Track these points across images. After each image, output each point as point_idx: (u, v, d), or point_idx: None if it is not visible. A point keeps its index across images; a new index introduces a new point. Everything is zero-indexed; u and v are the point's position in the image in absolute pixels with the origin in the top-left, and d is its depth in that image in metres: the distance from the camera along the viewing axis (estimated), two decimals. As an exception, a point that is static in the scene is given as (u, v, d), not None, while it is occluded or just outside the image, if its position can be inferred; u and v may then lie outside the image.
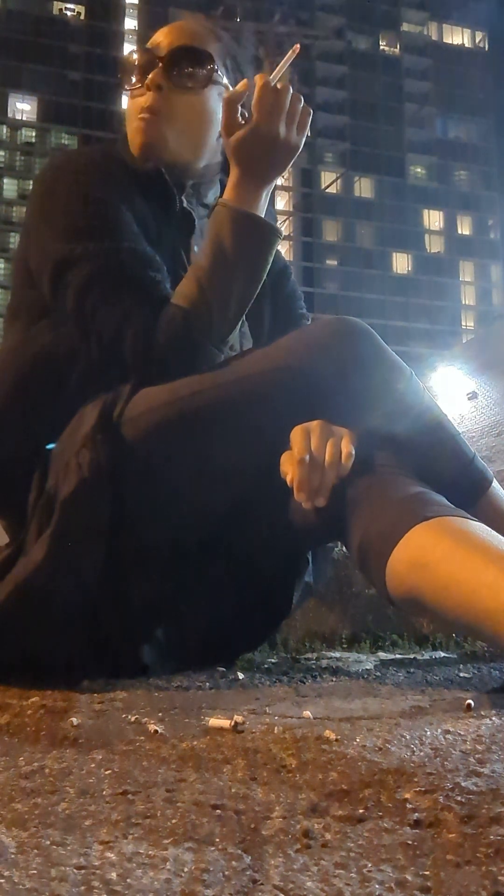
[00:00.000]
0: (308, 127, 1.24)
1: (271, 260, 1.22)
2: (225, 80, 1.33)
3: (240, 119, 1.20)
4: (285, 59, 1.23)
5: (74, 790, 0.60)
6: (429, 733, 0.71)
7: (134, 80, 1.31)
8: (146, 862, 0.46)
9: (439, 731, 0.72)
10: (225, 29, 1.40)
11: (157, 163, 1.29)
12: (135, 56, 1.32)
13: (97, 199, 1.23)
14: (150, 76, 1.28)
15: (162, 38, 1.32)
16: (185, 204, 1.33)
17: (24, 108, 47.96)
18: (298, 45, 1.27)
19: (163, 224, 1.29)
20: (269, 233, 1.21)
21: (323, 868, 0.45)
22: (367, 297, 47.86)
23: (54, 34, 47.99)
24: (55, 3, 49.81)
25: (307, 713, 0.87)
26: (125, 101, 1.34)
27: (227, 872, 0.45)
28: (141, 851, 0.48)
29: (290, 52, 1.25)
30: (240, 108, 1.20)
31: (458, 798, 0.54)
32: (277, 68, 1.22)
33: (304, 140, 1.23)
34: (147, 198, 1.28)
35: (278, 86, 1.19)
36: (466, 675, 1.23)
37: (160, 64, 1.28)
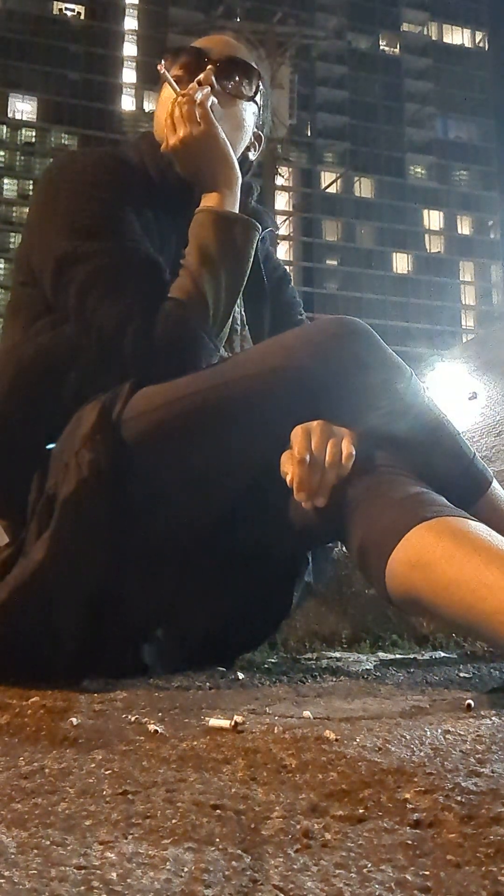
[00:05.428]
0: (200, 111, 1.25)
1: (252, 248, 1.25)
2: (259, 101, 1.37)
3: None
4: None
5: (74, 790, 0.60)
6: (429, 733, 0.71)
7: (176, 74, 1.33)
8: (146, 862, 0.46)
9: (439, 731, 0.72)
10: (233, 30, 1.42)
11: None
12: (182, 54, 1.35)
13: (100, 198, 1.23)
14: (203, 73, 1.30)
15: (212, 44, 1.35)
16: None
17: (24, 108, 47.92)
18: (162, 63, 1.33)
19: (168, 227, 1.29)
20: (242, 223, 1.24)
21: (323, 868, 0.45)
22: (367, 297, 47.83)
23: (54, 34, 47.95)
24: (55, 3, 49.76)
25: (307, 713, 0.87)
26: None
27: (227, 872, 0.45)
28: (141, 851, 0.48)
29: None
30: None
31: (458, 798, 0.54)
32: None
33: (212, 126, 1.25)
34: (154, 199, 1.29)
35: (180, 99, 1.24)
36: (466, 675, 1.23)
37: (212, 67, 1.31)
